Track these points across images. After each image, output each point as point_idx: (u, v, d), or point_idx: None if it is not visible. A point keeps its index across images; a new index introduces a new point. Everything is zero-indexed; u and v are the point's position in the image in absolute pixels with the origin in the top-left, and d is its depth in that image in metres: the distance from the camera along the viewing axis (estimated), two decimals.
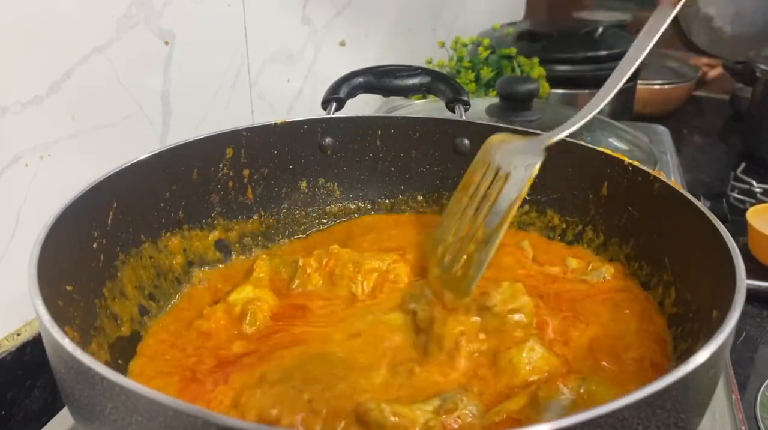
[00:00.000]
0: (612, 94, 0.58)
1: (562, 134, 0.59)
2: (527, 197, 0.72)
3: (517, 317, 0.54)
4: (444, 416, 0.45)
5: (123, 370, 0.53)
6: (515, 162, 0.58)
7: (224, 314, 0.58)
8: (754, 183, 1.15)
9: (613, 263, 0.65)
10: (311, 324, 0.58)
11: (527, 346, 0.51)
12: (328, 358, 0.52)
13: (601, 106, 0.59)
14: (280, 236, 0.74)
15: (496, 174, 0.59)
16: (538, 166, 0.56)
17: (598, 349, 0.53)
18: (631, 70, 0.59)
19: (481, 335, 0.53)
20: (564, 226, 0.70)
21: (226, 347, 0.55)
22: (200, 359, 0.53)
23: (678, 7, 0.53)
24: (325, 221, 0.77)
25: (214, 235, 0.69)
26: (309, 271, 0.63)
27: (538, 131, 0.63)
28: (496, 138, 0.62)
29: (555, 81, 1.32)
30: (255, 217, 0.73)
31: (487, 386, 0.49)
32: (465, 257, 0.56)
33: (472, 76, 1.28)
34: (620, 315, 0.57)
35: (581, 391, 0.47)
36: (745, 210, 0.95)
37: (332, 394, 0.47)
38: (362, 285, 0.61)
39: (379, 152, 0.77)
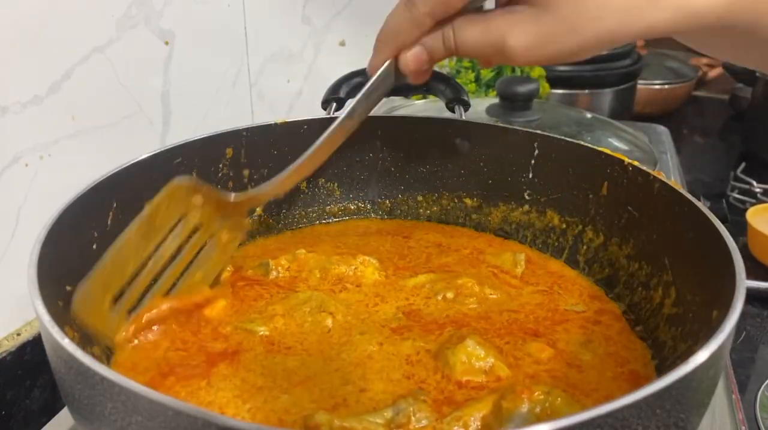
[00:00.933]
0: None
1: (256, 193, 0.58)
2: (527, 198, 0.72)
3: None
4: None
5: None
6: (218, 228, 0.57)
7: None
8: (754, 183, 1.15)
9: (612, 304, 0.62)
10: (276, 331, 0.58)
11: (466, 343, 0.52)
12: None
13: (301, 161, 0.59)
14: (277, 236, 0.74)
15: (193, 231, 0.56)
16: (237, 242, 0.58)
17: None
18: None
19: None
20: (564, 226, 0.70)
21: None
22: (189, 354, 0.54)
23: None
24: (325, 221, 0.77)
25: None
26: (278, 273, 0.64)
27: (232, 193, 0.59)
28: (184, 186, 0.55)
29: (555, 81, 1.32)
30: (254, 217, 0.73)
31: (432, 388, 0.50)
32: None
33: (472, 76, 1.28)
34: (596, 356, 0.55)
35: (546, 405, 0.46)
36: (745, 210, 0.96)
37: (280, 404, 0.48)
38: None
39: (379, 152, 0.77)
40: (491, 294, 0.62)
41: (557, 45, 0.43)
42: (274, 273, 0.64)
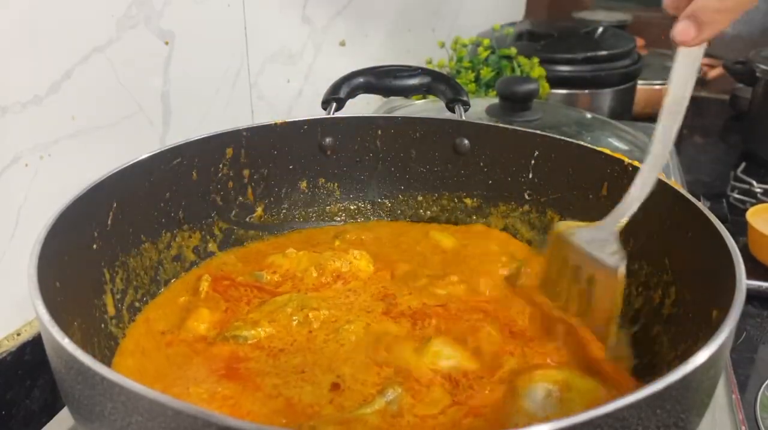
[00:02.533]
0: (670, 146, 0.53)
1: (628, 215, 0.55)
2: (527, 198, 0.72)
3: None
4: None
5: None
6: (595, 263, 0.54)
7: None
8: (754, 183, 1.14)
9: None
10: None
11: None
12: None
13: (660, 167, 0.54)
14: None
15: (578, 272, 0.56)
16: (622, 271, 0.53)
17: None
18: (679, 123, 0.53)
19: None
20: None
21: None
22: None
23: (703, 50, 0.50)
24: (325, 221, 0.77)
25: (215, 235, 0.69)
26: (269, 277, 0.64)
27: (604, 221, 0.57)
28: (561, 228, 0.58)
29: (555, 81, 1.32)
30: (254, 217, 0.73)
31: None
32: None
33: (472, 76, 1.28)
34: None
35: (559, 378, 0.48)
36: (745, 210, 0.95)
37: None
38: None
39: (379, 152, 0.77)
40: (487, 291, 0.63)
41: None
42: (267, 277, 0.64)
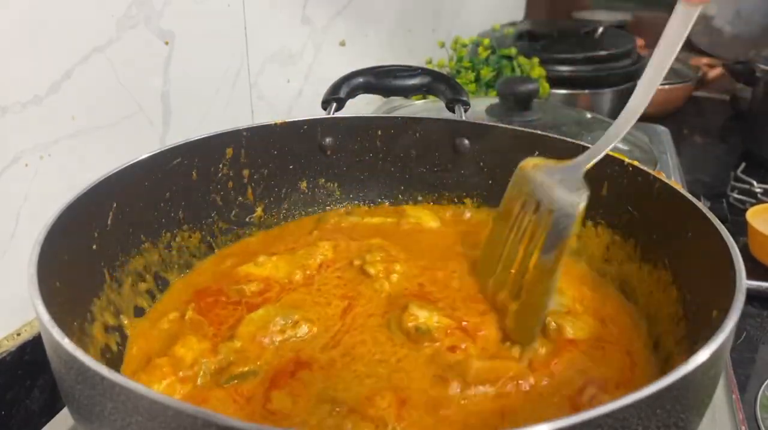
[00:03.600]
0: (644, 106, 0.55)
1: (599, 156, 0.55)
2: None
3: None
4: None
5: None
6: (556, 197, 0.55)
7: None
8: (754, 183, 1.15)
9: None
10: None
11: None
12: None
13: (634, 120, 0.55)
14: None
15: (537, 207, 0.57)
16: (583, 205, 0.54)
17: None
18: (663, 75, 0.54)
19: None
20: None
21: None
22: None
23: (699, 10, 0.50)
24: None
25: (215, 235, 0.69)
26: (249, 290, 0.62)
27: (570, 159, 0.58)
28: (529, 164, 0.60)
29: (555, 81, 1.32)
30: (254, 217, 0.73)
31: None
32: (523, 296, 0.56)
33: (472, 76, 1.28)
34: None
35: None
36: (745, 210, 0.95)
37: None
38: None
39: (379, 152, 0.77)
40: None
41: None
42: (249, 291, 0.61)
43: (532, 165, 0.59)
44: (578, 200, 0.54)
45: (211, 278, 0.65)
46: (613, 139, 0.55)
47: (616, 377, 0.52)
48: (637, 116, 0.54)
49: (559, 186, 0.56)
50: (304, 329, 0.56)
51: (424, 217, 0.74)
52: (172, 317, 0.58)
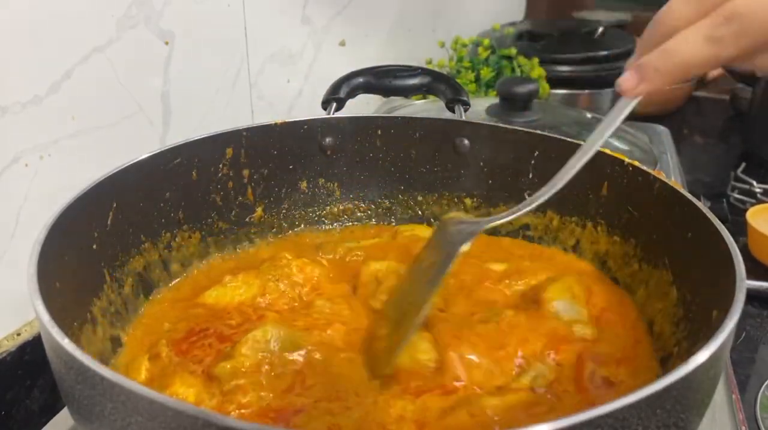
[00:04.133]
0: (570, 176, 0.55)
1: (499, 221, 0.55)
2: (527, 197, 0.72)
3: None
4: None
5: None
6: (449, 239, 0.55)
7: None
8: (754, 183, 1.15)
9: None
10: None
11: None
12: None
13: (549, 194, 0.55)
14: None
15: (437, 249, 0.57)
16: (465, 249, 0.53)
17: None
18: (587, 157, 0.56)
19: None
20: (564, 226, 0.70)
21: None
22: None
23: (636, 101, 0.52)
24: (325, 221, 0.77)
25: (215, 235, 0.69)
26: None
27: (482, 219, 0.58)
28: (447, 218, 0.60)
29: (555, 81, 1.32)
30: (254, 217, 0.73)
31: None
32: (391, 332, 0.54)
33: (472, 76, 1.28)
34: None
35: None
36: (745, 210, 0.96)
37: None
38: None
39: (379, 152, 0.77)
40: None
41: None
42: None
43: (449, 219, 0.60)
44: (465, 244, 0.53)
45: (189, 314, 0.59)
46: (528, 205, 0.55)
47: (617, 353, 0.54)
48: (563, 184, 0.55)
49: (459, 232, 0.55)
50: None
51: (417, 229, 0.74)
52: (144, 376, 0.52)
